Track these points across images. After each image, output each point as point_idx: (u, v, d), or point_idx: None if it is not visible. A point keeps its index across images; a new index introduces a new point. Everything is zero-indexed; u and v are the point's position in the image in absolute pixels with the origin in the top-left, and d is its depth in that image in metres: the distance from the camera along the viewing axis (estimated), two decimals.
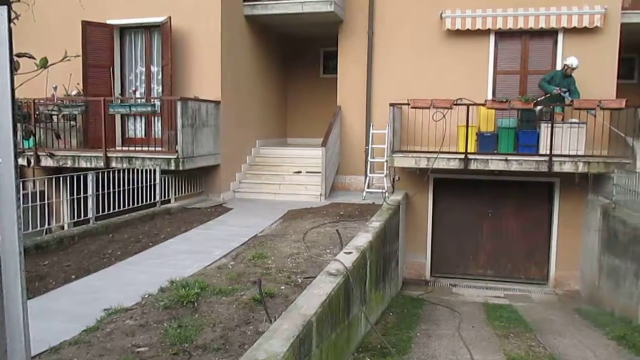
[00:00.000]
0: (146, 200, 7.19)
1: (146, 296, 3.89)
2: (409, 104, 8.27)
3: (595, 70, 8.77)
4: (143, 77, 8.43)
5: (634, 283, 6.46)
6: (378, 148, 9.11)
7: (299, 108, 11.72)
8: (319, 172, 8.75)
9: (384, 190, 8.58)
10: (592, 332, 6.27)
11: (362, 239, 5.48)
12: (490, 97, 9.02)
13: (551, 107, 8.26)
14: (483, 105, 8.28)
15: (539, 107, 8.49)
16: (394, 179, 9.28)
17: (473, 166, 8.16)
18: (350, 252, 4.85)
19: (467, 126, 8.19)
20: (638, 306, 6.24)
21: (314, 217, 7.11)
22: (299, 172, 9.23)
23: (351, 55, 9.62)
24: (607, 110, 8.07)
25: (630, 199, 7.06)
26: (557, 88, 8.46)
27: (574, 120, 8.43)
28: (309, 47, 11.52)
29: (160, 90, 8.27)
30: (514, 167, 8.09)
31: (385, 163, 8.88)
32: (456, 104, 8.20)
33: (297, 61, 11.66)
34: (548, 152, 8.01)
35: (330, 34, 9.79)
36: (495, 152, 8.44)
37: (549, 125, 8.07)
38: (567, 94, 8.56)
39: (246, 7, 9.01)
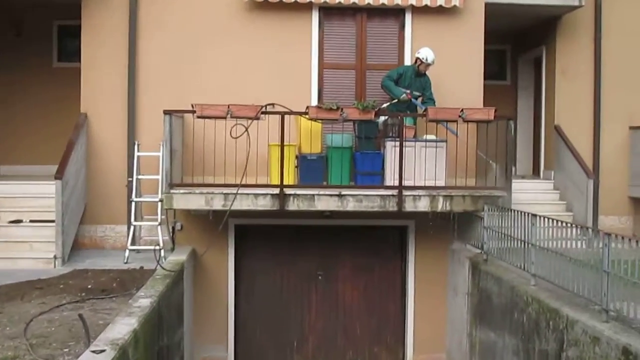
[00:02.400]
0: None
1: None
2: (194, 112, 8.77)
3: (455, 67, 10.12)
4: None
5: None
6: (149, 180, 9.49)
7: (19, 117, 11.75)
8: (53, 221, 8.90)
9: (158, 247, 8.94)
10: None
11: (123, 327, 5.73)
12: (315, 102, 9.86)
13: (399, 118, 9.17)
14: (304, 114, 9.02)
15: (382, 118, 9.48)
16: (173, 228, 9.76)
17: (293, 206, 8.84)
18: (102, 350, 5.01)
19: (283, 145, 8.82)
20: None
21: (43, 294, 7.27)
22: (19, 221, 9.41)
23: (103, 35, 9.94)
24: (471, 122, 9.24)
25: (505, 247, 8.01)
26: (407, 92, 9.58)
27: (430, 136, 9.49)
28: (35, 19, 11.64)
29: None
30: (351, 205, 8.91)
31: (159, 204, 9.22)
32: (265, 113, 8.87)
33: (15, 41, 11.75)
34: (397, 183, 8.93)
35: (70, 1, 10.02)
36: (325, 183, 9.22)
37: (397, 143, 8.97)
38: (420, 99, 9.62)
39: None
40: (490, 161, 9.52)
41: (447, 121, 9.35)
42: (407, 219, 10.25)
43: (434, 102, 9.83)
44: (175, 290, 8.04)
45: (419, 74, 9.85)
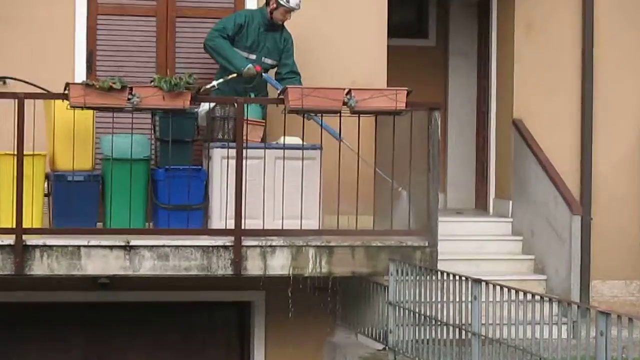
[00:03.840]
0: None
1: None
2: None
3: (337, 17, 9.84)
4: None
5: None
6: None
7: None
8: None
9: None
10: None
11: None
12: (81, 77, 9.39)
13: (236, 105, 8.75)
14: (62, 98, 8.49)
15: (205, 106, 9.08)
16: None
17: (40, 267, 8.30)
18: None
19: (21, 156, 8.37)
20: None
21: None
22: None
23: None
24: (366, 115, 8.85)
25: (427, 338, 7.85)
26: (251, 64, 9.24)
27: (292, 139, 9.03)
28: None
29: None
30: (149, 266, 8.35)
31: None
32: None
33: None
34: (233, 225, 8.49)
35: None
36: (100, 226, 8.82)
37: (233, 152, 8.59)
38: (267, 73, 9.40)
39: None
40: (400, 188, 9.13)
41: (322, 112, 8.90)
42: (252, 289, 9.66)
43: (300, 78, 9.55)
44: None
45: (272, 27, 9.52)
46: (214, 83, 9.34)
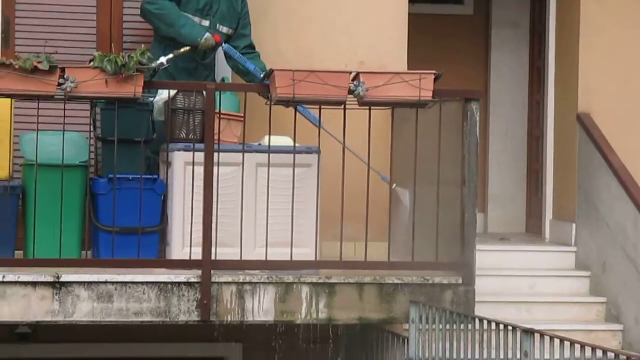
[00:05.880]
0: None
1: None
2: None
3: None
4: None
5: None
6: None
7: None
8: None
9: None
10: None
11: None
12: None
13: (205, 93, 8.48)
14: None
15: (163, 95, 8.83)
16: None
17: None
18: None
19: None
20: None
21: None
22: None
23: None
24: (379, 108, 8.63)
25: None
26: (208, 32, 9.30)
27: (280, 139, 8.79)
28: None
29: None
30: (86, 309, 8.07)
31: None
32: None
33: None
34: (200, 255, 8.26)
35: None
36: (20, 255, 8.65)
37: (202, 156, 8.36)
38: (227, 45, 9.37)
39: None
40: (395, 185, 9.19)
41: (320, 104, 8.71)
42: (225, 340, 9.44)
43: (259, 57, 9.64)
44: None
45: None
46: (163, 59, 8.97)
